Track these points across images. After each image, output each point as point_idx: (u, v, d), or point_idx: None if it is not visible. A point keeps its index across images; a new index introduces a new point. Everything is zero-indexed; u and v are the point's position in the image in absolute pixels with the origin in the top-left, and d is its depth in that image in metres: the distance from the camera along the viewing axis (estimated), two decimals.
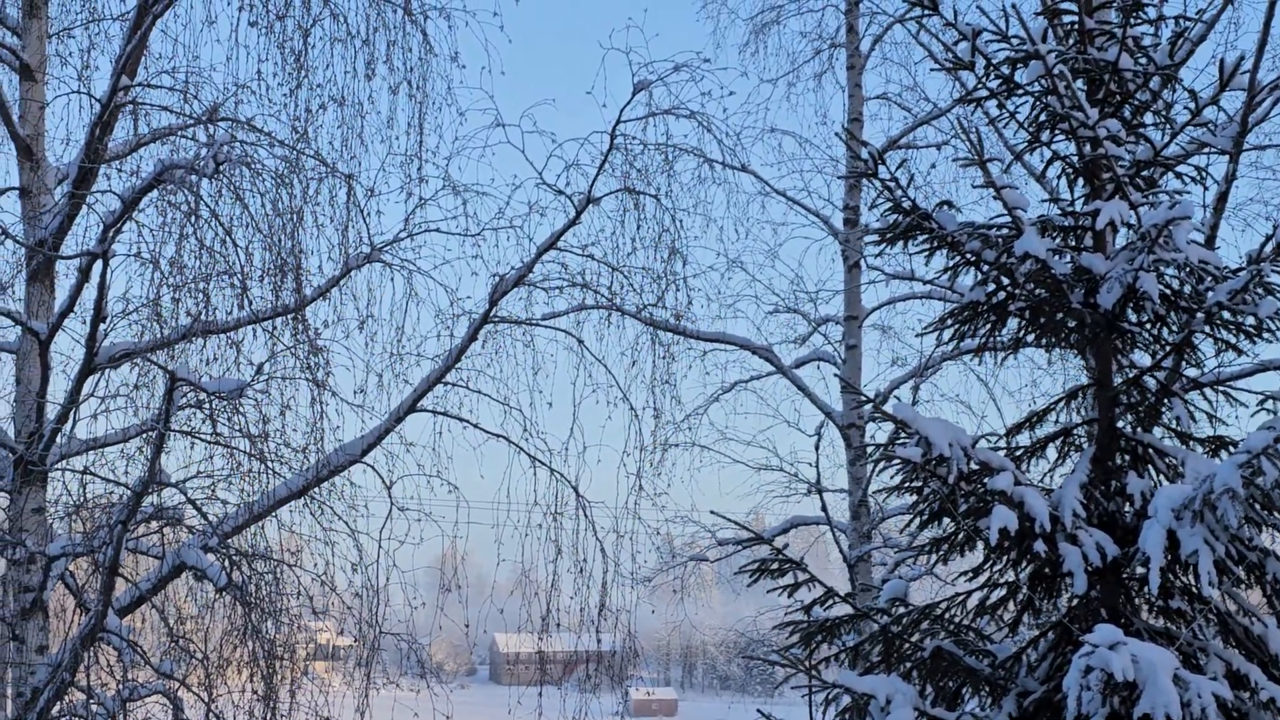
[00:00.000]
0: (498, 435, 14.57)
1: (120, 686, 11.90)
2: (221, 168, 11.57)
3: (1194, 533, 7.13)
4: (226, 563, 11.95)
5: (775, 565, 8.69)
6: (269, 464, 12.18)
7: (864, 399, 8.21)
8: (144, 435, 12.07)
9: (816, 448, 19.16)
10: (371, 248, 13.79)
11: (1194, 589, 7.81)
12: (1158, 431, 8.52)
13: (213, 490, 12.53)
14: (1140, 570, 7.73)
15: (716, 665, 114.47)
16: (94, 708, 11.70)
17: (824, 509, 18.91)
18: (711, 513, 10.18)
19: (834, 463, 21.30)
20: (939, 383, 32.11)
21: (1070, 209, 8.76)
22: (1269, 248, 7.75)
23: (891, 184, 8.45)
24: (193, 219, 11.58)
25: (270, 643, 12.27)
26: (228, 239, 11.75)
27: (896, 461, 7.84)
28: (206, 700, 12.13)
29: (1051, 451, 8.73)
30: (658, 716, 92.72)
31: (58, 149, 12.95)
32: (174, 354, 12.16)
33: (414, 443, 14.38)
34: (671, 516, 19.51)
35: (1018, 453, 8.68)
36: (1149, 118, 8.76)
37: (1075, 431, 8.71)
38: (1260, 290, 7.82)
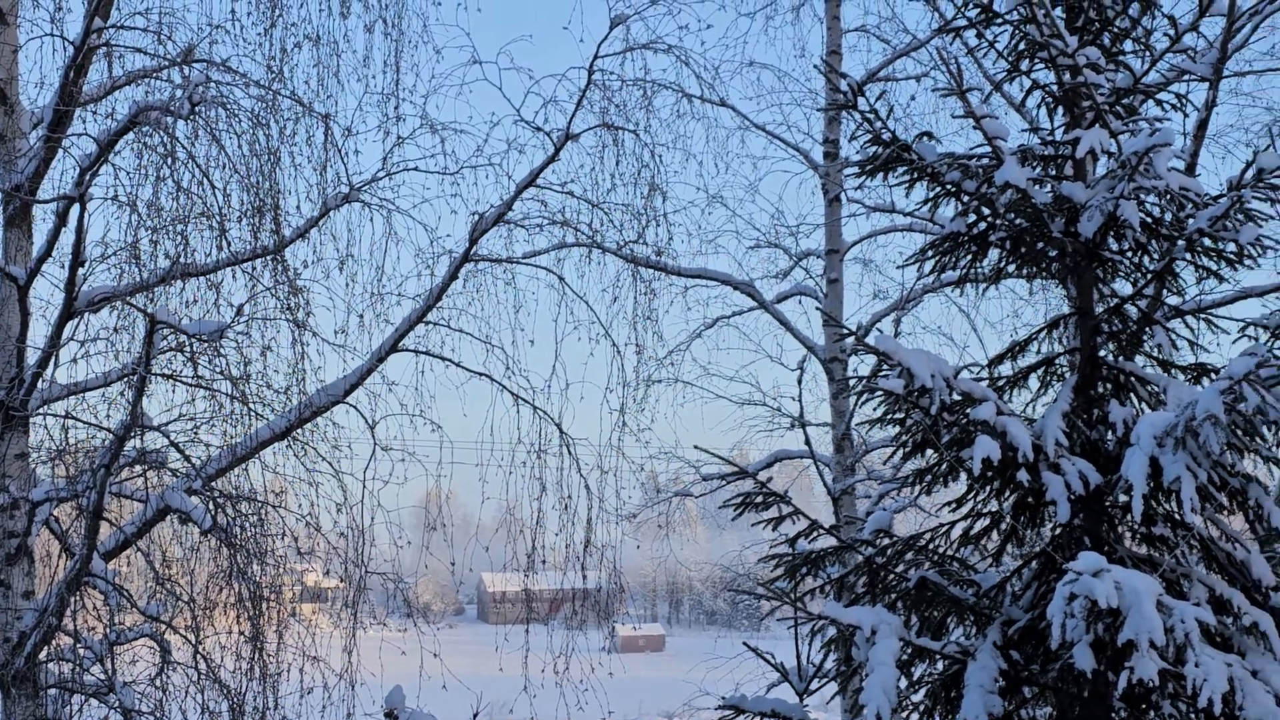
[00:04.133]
0: (480, 374, 14.61)
1: (107, 630, 11.95)
2: (197, 109, 11.51)
3: (1176, 459, 7.14)
4: (211, 505, 11.97)
5: (759, 499, 8.69)
6: (251, 406, 12.17)
7: (846, 332, 8.19)
8: (125, 379, 12.06)
9: (799, 382, 19.17)
10: (350, 187, 13.76)
11: (1176, 515, 7.83)
12: (1140, 359, 8.52)
13: (195, 433, 12.53)
14: (1123, 498, 7.73)
15: (703, 601, 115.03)
16: (81, 651, 11.72)
17: (807, 443, 18.94)
18: (695, 447, 10.20)
19: (817, 397, 21.35)
20: (921, 315, 32.18)
21: (1050, 138, 8.73)
22: (1249, 174, 7.73)
23: (871, 115, 8.42)
24: (169, 161, 11.53)
25: (256, 584, 12.29)
26: (205, 180, 11.70)
27: (879, 393, 7.83)
28: (194, 642, 12.17)
29: (1034, 381, 8.73)
30: (645, 652, 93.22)
31: (31, 93, 12.84)
32: (153, 297, 12.14)
33: (396, 382, 14.42)
34: (655, 452, 19.60)
35: (1000, 383, 8.68)
36: (1129, 45, 8.71)
37: (1057, 361, 8.70)
38: (1241, 217, 7.81)
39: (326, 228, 13.86)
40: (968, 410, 7.65)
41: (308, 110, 13.18)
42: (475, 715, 8.90)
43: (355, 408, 14.10)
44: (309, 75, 13.73)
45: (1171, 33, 8.52)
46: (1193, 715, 7.45)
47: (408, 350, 14.35)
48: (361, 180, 14.00)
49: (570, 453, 14.70)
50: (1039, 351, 8.78)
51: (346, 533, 13.76)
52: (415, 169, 14.44)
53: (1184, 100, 8.78)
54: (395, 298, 14.60)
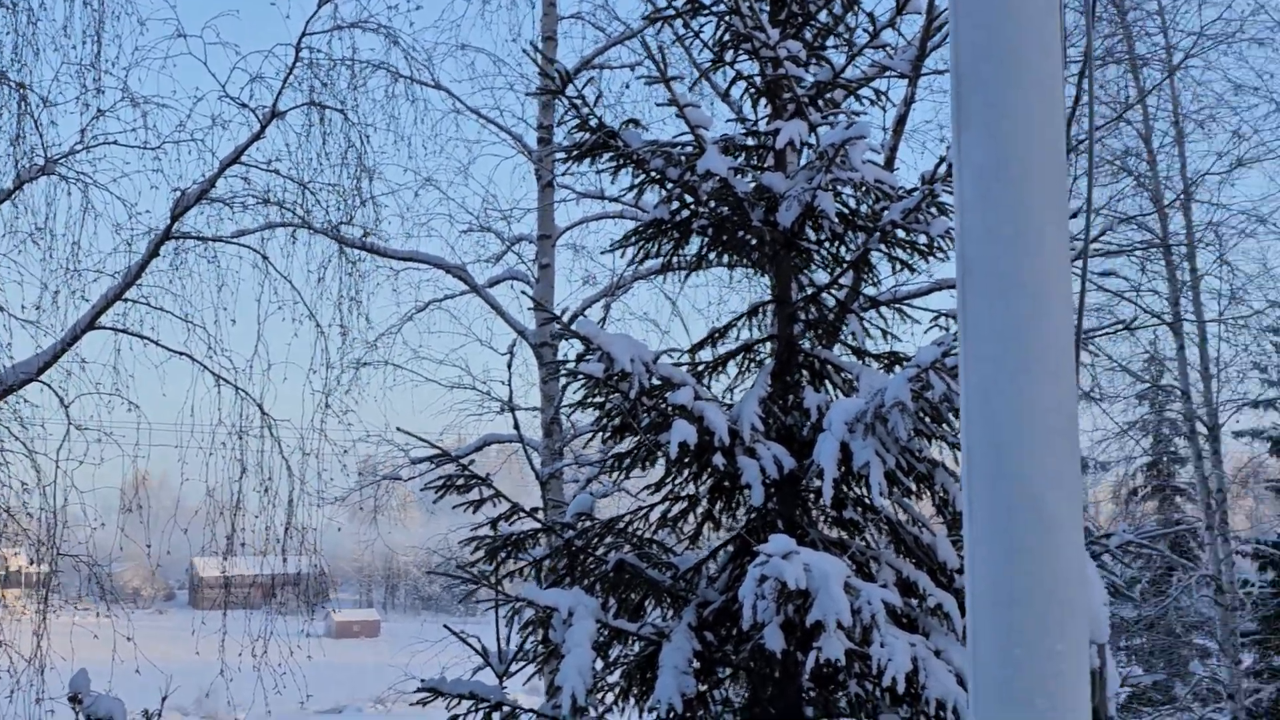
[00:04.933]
0: (181, 353, 14.33)
1: None
2: None
3: (866, 445, 7.32)
4: None
5: (461, 481, 8.66)
6: None
7: (551, 316, 8.21)
8: None
9: (509, 366, 19.13)
10: (46, 160, 13.36)
11: (866, 499, 8.04)
12: (837, 348, 8.71)
13: None
14: (816, 482, 7.90)
15: (419, 586, 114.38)
16: None
17: (516, 426, 18.94)
18: (399, 430, 10.13)
19: (527, 381, 21.35)
20: (630, 301, 32.47)
21: (755, 128, 8.87)
22: (942, 169, 7.97)
23: (578, 101, 8.45)
24: None
25: None
26: None
27: (581, 377, 7.88)
28: None
29: (733, 367, 8.87)
30: (360, 637, 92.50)
31: None
32: None
33: (92, 361, 14.06)
34: (364, 435, 19.42)
35: (700, 368, 8.80)
36: (833, 40, 8.89)
37: (757, 347, 8.84)
38: (933, 210, 8.04)
39: (20, 200, 13.45)
40: (667, 395, 7.74)
41: (2, 79, 12.76)
42: (164, 699, 8.72)
43: (49, 386, 13.72)
44: (2, 42, 13.28)
45: (871, 29, 8.72)
46: (878, 694, 7.66)
47: (105, 328, 14.01)
48: (59, 153, 13.63)
49: (272, 434, 14.55)
50: (739, 338, 8.92)
51: (38, 514, 13.39)
52: (115, 143, 14.11)
53: (883, 96, 9.01)
54: (93, 274, 14.25)
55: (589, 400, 7.98)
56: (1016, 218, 2.25)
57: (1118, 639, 35.40)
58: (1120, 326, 21.14)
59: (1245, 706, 30.19)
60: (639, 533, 8.55)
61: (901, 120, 12.99)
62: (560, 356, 18.04)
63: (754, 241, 8.53)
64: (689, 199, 8.47)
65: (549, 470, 18.24)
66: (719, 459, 7.69)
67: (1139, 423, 34.97)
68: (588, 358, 7.84)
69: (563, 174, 17.91)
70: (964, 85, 2.31)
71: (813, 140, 8.39)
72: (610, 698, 8.20)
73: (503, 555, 8.62)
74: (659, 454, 8.02)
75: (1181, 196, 24.10)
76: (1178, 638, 36.10)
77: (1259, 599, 35.56)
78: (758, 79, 8.73)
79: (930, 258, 8.40)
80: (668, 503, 8.42)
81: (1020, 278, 2.23)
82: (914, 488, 7.98)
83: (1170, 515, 39.51)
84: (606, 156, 8.57)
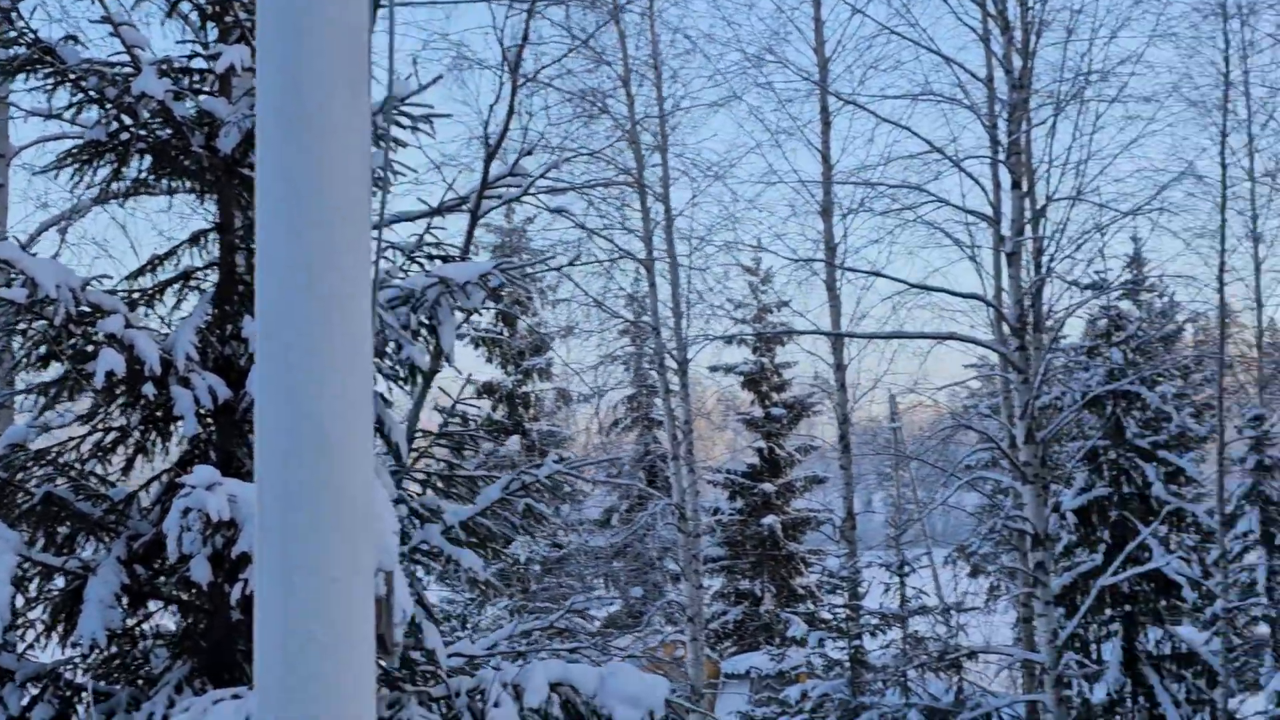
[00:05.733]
0: None
1: None
2: None
3: None
4: None
5: None
6: None
7: None
8: None
9: None
10: None
11: None
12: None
13: None
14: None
15: None
16: None
17: None
18: None
19: None
20: (91, 226, 31.43)
21: (204, 52, 8.68)
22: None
23: (12, 13, 8.09)
24: None
25: None
26: None
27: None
28: None
29: (172, 295, 8.66)
30: None
31: None
32: None
33: None
34: None
35: (137, 296, 8.56)
36: None
37: (200, 275, 8.66)
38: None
39: None
40: (97, 322, 7.53)
41: None
42: None
43: None
44: None
45: None
46: None
47: None
48: None
49: None
50: (179, 265, 8.72)
51: None
52: None
53: None
54: None
55: (9, 327, 7.67)
56: (313, 153, 2.25)
57: (591, 565, 36.63)
58: (568, 263, 21.67)
59: (709, 628, 31.66)
60: (74, 464, 8.29)
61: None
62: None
63: (195, 167, 8.35)
64: (128, 121, 8.22)
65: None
66: (150, 389, 7.53)
67: (617, 356, 36.11)
68: (12, 282, 7.54)
69: (25, 92, 17.09)
70: (264, 20, 2.30)
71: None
72: (33, 634, 7.94)
73: None
74: (87, 384, 7.78)
75: (657, 138, 24.92)
76: (651, 563, 37.57)
77: (727, 524, 37.39)
78: (204, 2, 8.53)
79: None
80: (100, 433, 8.19)
81: (314, 217, 2.24)
82: None
83: (647, 444, 41.11)
84: (43, 73, 8.23)
